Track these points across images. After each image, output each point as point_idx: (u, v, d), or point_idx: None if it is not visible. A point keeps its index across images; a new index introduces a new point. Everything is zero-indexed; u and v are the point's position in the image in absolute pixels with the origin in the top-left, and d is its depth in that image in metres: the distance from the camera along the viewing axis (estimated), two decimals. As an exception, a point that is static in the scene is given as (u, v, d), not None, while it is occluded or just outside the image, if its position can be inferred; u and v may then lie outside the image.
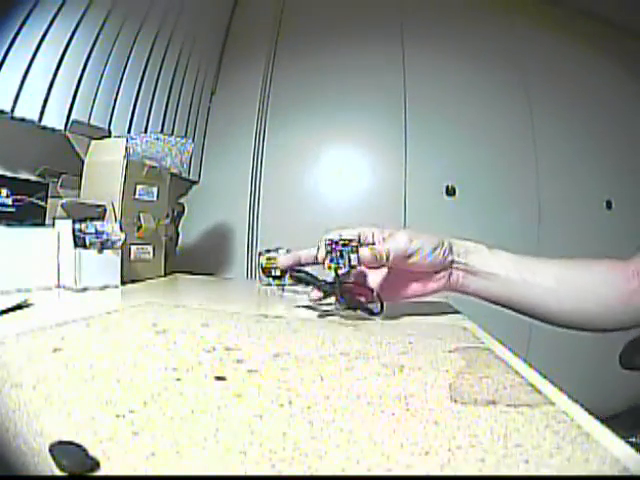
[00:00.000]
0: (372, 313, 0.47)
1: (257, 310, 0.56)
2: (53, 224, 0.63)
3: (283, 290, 0.71)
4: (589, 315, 0.44)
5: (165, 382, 0.24)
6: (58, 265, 0.61)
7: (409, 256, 0.44)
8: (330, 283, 0.47)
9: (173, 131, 1.26)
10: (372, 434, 0.19)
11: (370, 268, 0.47)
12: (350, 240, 0.44)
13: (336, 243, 0.44)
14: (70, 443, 0.16)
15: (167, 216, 0.87)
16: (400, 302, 0.50)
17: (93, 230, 0.63)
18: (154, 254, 0.81)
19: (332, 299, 0.48)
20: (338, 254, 0.44)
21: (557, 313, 0.45)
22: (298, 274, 0.49)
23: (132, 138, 0.77)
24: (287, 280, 0.77)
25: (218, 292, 0.76)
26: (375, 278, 0.49)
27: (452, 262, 0.46)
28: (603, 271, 0.44)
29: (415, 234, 0.45)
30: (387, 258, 0.44)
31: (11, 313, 0.42)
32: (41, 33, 0.78)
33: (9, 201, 0.64)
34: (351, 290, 0.48)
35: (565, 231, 1.40)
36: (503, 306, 0.48)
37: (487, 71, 1.47)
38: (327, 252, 0.44)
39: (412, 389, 0.25)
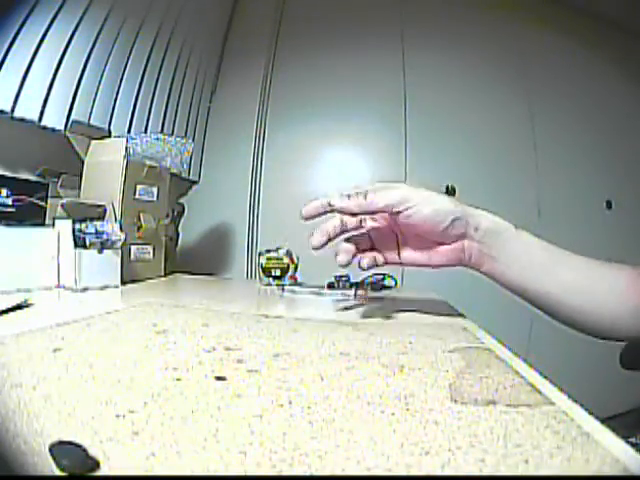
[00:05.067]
0: (386, 287, 0.77)
1: (257, 310, 0.56)
2: (53, 224, 0.63)
3: (283, 290, 0.71)
4: (603, 321, 0.39)
5: (165, 382, 0.24)
6: (58, 265, 0.61)
7: (402, 210, 0.39)
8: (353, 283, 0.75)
9: (173, 131, 1.26)
10: (372, 434, 0.19)
11: (353, 215, 0.42)
12: (342, 276, 0.73)
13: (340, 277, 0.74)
14: (70, 443, 0.16)
15: (167, 216, 0.87)
16: (406, 267, 0.45)
17: (93, 230, 0.63)
18: (154, 254, 0.81)
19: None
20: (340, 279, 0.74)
21: (569, 310, 0.40)
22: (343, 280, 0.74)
23: (132, 138, 0.77)
24: (287, 280, 0.77)
25: (218, 292, 0.76)
26: (384, 247, 0.45)
27: (464, 235, 0.41)
28: (614, 274, 0.40)
29: (420, 190, 0.40)
30: (367, 198, 0.39)
31: (11, 313, 0.42)
32: (41, 33, 0.78)
33: (9, 201, 0.64)
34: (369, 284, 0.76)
35: (565, 231, 1.39)
36: (515, 293, 0.43)
37: (487, 71, 1.47)
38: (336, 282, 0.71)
39: (412, 389, 0.25)
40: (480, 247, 0.41)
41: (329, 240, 0.42)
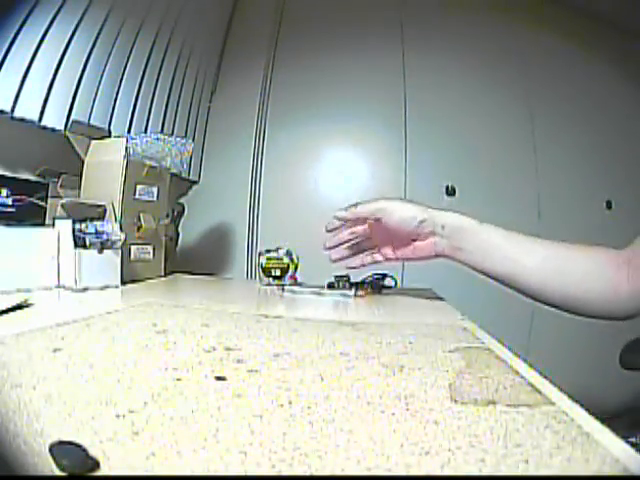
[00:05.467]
0: (386, 287, 0.76)
1: (257, 310, 0.56)
2: (53, 224, 0.63)
3: (283, 290, 0.71)
4: (571, 299, 0.44)
5: (165, 382, 0.24)
6: (58, 265, 0.61)
7: (379, 216, 0.52)
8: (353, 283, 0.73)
9: (173, 131, 1.26)
10: (372, 434, 0.19)
11: (348, 221, 0.56)
12: (343, 276, 0.72)
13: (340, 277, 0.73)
14: (70, 443, 0.16)
15: (167, 216, 0.87)
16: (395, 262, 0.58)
17: (93, 230, 0.63)
18: (154, 254, 0.81)
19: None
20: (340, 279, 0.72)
21: (539, 292, 0.46)
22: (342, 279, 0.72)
23: (132, 138, 0.76)
24: (287, 280, 0.77)
25: (218, 292, 0.76)
26: (385, 247, 0.58)
27: (433, 233, 0.51)
28: (593, 258, 0.45)
29: (394, 201, 0.52)
30: (356, 208, 0.53)
31: (11, 313, 0.42)
32: (41, 33, 0.78)
33: (9, 201, 0.64)
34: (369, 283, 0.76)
35: (565, 231, 1.39)
36: (489, 277, 0.49)
37: (487, 71, 1.47)
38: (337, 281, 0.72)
39: (412, 389, 0.25)
40: (449, 241, 0.50)
41: (339, 245, 0.59)
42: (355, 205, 0.53)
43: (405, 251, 0.54)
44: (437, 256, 0.52)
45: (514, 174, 1.43)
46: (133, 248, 0.76)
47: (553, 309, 0.47)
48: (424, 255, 0.53)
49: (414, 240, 0.52)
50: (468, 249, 0.49)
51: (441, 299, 0.67)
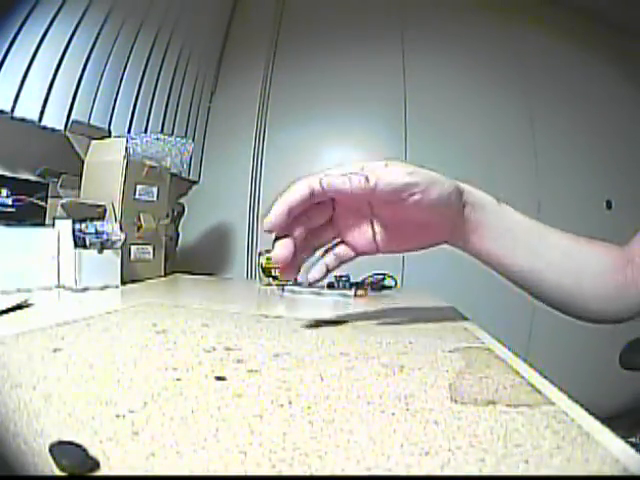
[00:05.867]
0: (386, 287, 0.76)
1: (257, 310, 0.56)
2: (53, 224, 0.63)
3: (283, 290, 0.71)
4: (584, 298, 0.39)
5: (165, 382, 0.24)
6: (58, 265, 0.61)
7: (406, 194, 0.34)
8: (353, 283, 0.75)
9: (173, 131, 1.26)
10: (372, 434, 0.19)
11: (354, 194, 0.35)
12: (343, 276, 0.73)
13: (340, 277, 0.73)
14: (70, 443, 0.16)
15: (167, 216, 0.87)
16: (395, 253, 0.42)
17: (93, 230, 0.63)
18: (154, 254, 0.81)
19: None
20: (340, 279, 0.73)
21: (555, 289, 0.39)
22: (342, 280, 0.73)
23: (132, 138, 0.77)
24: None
25: (218, 292, 0.76)
26: (358, 236, 0.39)
27: (458, 213, 0.37)
28: (604, 255, 0.40)
29: (417, 168, 0.36)
30: (369, 182, 0.34)
31: (11, 313, 0.42)
32: (41, 33, 0.78)
33: (9, 201, 0.64)
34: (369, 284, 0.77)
35: (565, 231, 1.40)
36: (498, 272, 0.41)
37: (487, 70, 1.47)
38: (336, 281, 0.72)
39: (412, 389, 0.25)
40: (465, 222, 0.38)
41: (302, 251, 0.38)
42: (365, 177, 0.34)
43: (405, 241, 0.40)
44: (445, 242, 0.40)
45: (514, 174, 1.43)
46: (133, 248, 0.76)
47: (555, 311, 0.45)
48: (432, 243, 0.40)
49: (427, 223, 0.38)
50: (485, 235, 0.38)
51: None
